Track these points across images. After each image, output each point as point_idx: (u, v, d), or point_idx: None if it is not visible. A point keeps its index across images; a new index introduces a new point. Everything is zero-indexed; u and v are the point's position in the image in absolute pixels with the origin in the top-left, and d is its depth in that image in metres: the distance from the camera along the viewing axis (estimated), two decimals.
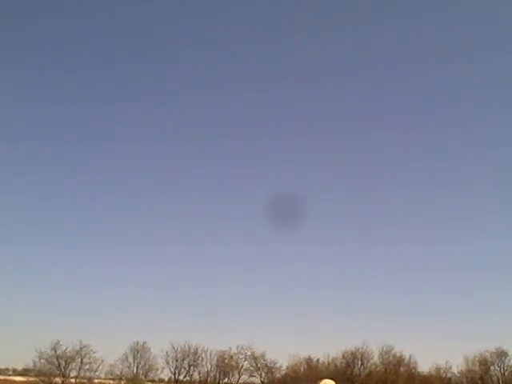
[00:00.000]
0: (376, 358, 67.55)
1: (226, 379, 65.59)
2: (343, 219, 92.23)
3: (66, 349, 56.77)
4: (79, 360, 57.38)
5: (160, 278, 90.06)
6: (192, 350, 63.57)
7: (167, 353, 62.69)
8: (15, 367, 78.57)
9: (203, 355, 64.34)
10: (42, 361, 56.19)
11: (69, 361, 57.07)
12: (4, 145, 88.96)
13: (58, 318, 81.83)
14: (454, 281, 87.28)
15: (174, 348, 62.73)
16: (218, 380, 64.87)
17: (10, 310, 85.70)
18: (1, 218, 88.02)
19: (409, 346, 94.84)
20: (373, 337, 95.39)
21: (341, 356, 67.35)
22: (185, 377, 63.97)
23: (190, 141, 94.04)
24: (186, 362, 63.65)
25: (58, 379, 55.87)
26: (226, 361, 65.01)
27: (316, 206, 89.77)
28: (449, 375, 66.28)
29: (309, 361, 68.71)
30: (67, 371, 57.03)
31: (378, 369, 67.01)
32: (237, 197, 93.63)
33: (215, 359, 64.81)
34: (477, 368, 65.49)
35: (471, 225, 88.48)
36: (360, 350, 66.77)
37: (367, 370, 67.06)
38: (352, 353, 67.08)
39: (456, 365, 74.34)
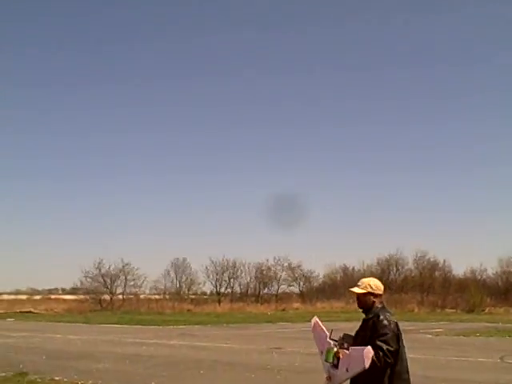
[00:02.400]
0: (410, 264, 68.79)
1: (266, 289, 67.71)
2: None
3: (110, 267, 58.91)
4: (123, 277, 59.55)
5: (196, 196, 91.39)
6: (231, 264, 65.41)
7: (207, 267, 64.62)
8: (64, 287, 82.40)
9: (242, 268, 66.22)
10: (89, 280, 58.56)
11: (114, 278, 59.29)
12: None
13: (100, 238, 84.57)
14: (489, 183, 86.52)
15: (213, 262, 64.59)
16: (258, 290, 66.98)
17: (55, 232, 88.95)
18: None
19: (443, 251, 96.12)
20: (407, 243, 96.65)
21: (375, 263, 68.77)
22: (226, 289, 66.20)
23: None
24: (225, 275, 65.65)
25: (106, 296, 58.33)
26: (265, 272, 66.80)
27: None
28: (484, 277, 67.24)
29: (344, 269, 70.31)
30: (113, 288, 59.40)
31: (413, 274, 68.35)
32: None
33: (254, 271, 66.70)
34: (511, 269, 66.23)
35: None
36: (394, 257, 68.00)
37: (402, 276, 68.50)
38: (386, 259, 68.35)
39: (491, 267, 75.29)
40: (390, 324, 4.90)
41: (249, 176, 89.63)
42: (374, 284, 5.20)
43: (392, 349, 4.82)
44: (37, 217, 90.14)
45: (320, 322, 5.24)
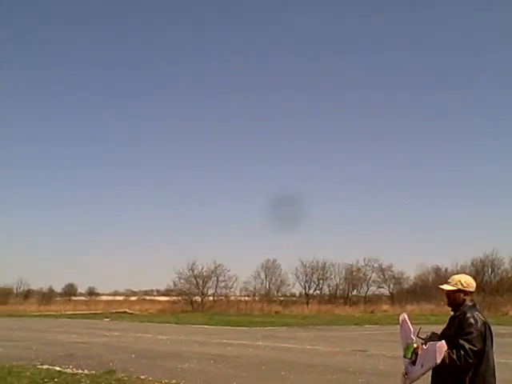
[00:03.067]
0: (507, 265, 66.03)
1: (355, 291, 66.99)
2: None
3: (202, 268, 60.10)
4: (215, 279, 60.64)
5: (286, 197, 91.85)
6: (320, 265, 65.16)
7: (297, 269, 64.71)
8: (158, 288, 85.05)
9: (331, 269, 65.82)
10: (182, 281, 60.06)
11: (205, 280, 60.47)
12: None
13: (193, 240, 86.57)
14: None
15: (302, 264, 64.61)
16: (347, 292, 66.38)
17: (153, 236, 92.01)
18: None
19: None
20: (503, 243, 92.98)
21: (469, 264, 66.45)
22: (315, 290, 66.03)
23: None
24: (315, 276, 65.48)
25: (197, 297, 59.63)
26: (354, 273, 66.10)
27: None
28: None
29: (437, 270, 68.39)
30: (205, 289, 60.64)
31: (509, 275, 65.61)
32: None
33: (343, 272, 66.15)
34: None
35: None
36: (489, 257, 65.50)
37: (498, 277, 65.90)
38: (481, 260, 65.91)
39: None
40: (476, 323, 4.75)
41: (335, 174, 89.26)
42: (465, 281, 5.04)
43: (475, 348, 4.67)
44: (137, 221, 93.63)
45: (408, 319, 5.18)
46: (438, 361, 4.62)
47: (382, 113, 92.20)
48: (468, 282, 5.03)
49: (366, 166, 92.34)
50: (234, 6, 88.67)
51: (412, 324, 5.22)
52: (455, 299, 4.99)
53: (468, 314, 4.80)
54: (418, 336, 5.07)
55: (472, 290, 5.02)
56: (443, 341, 4.69)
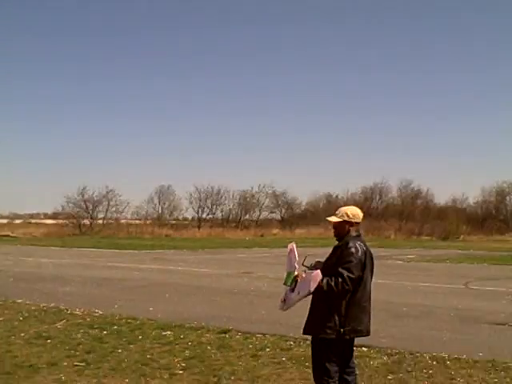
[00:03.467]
0: (394, 193, 69.42)
1: (247, 216, 68.08)
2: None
3: (93, 193, 58.71)
4: (106, 203, 59.51)
5: (183, 122, 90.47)
6: (215, 191, 65.43)
7: (191, 194, 64.69)
8: (45, 211, 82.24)
9: (225, 195, 66.32)
10: (71, 205, 58.40)
11: (96, 204, 59.23)
12: None
13: (84, 163, 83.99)
14: (473, 111, 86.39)
15: (197, 189, 64.59)
16: (239, 217, 67.33)
17: (37, 156, 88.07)
18: None
19: (428, 181, 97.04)
20: (392, 173, 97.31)
21: (360, 191, 69.25)
22: (208, 215, 66.48)
23: None
24: (208, 201, 65.81)
25: (86, 221, 58.33)
26: (248, 199, 66.99)
27: None
28: (464, 206, 68.06)
29: (328, 196, 70.79)
30: (95, 213, 59.41)
31: (395, 202, 69.05)
32: None
33: (237, 198, 66.85)
34: (493, 198, 67.07)
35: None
36: (379, 185, 68.48)
37: (385, 204, 69.20)
38: (371, 188, 68.90)
39: (473, 196, 76.15)
40: (356, 252, 4.86)
41: (232, 98, 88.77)
42: (351, 212, 5.10)
43: (353, 276, 4.79)
44: (21, 141, 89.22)
45: (295, 249, 5.16)
46: (312, 289, 4.79)
47: None
48: (354, 213, 5.09)
49: (271, 94, 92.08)
50: None
51: (299, 248, 5.21)
52: (341, 230, 5.07)
53: (350, 244, 4.89)
54: (303, 264, 5.13)
55: (358, 220, 5.09)
56: (318, 270, 4.83)
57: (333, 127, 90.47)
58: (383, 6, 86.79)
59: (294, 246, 5.19)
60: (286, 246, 5.33)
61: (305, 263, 5.11)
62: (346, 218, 5.05)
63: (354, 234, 5.01)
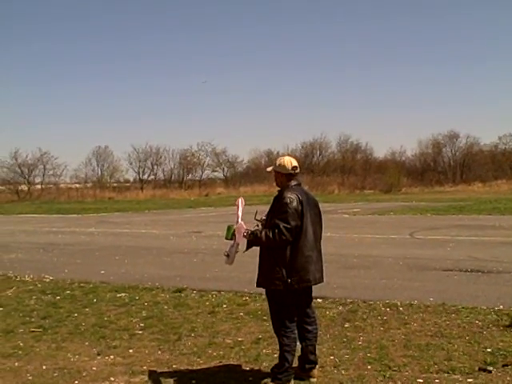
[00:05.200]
0: (334, 148, 70.28)
1: (190, 175, 67.78)
2: None
3: (27, 157, 57.18)
4: (42, 167, 58.08)
5: (119, 81, 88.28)
6: (154, 151, 64.70)
7: (129, 155, 63.77)
8: None
9: (165, 154, 65.71)
10: (5, 170, 56.71)
11: (31, 168, 57.75)
12: None
13: (16, 127, 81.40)
14: (410, 67, 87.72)
15: (135, 150, 63.71)
16: (181, 177, 66.94)
17: None
18: None
19: (366, 135, 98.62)
20: (331, 128, 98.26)
21: (300, 147, 69.77)
22: (149, 176, 65.86)
23: None
24: (148, 162, 65.10)
25: (23, 186, 56.82)
26: (189, 158, 66.58)
27: None
28: (403, 159, 69.61)
29: (269, 153, 71.03)
30: (32, 178, 57.97)
31: (335, 157, 69.99)
32: None
33: (178, 157, 66.31)
34: (430, 150, 68.80)
35: None
36: (318, 141, 69.12)
37: (325, 159, 70.06)
38: (311, 144, 69.48)
39: (410, 149, 77.83)
40: (291, 202, 4.80)
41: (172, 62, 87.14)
42: (279, 162, 5.06)
43: (289, 226, 4.75)
44: None
45: (241, 204, 5.17)
46: (238, 240, 4.90)
47: None
48: (281, 162, 5.05)
49: (204, 51, 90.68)
50: None
51: (243, 205, 5.21)
52: (277, 181, 5.06)
53: (284, 194, 4.86)
54: (255, 218, 5.13)
55: (284, 171, 5.01)
56: (242, 222, 4.92)
57: (270, 82, 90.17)
58: None
59: (240, 200, 5.20)
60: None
61: (256, 217, 5.12)
62: (274, 168, 5.05)
63: (293, 184, 4.97)
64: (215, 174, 68.71)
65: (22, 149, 56.62)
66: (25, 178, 57.06)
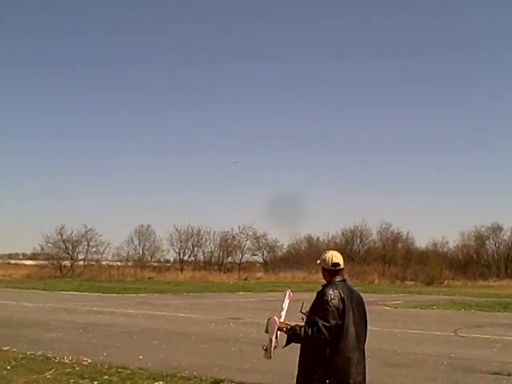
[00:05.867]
0: (374, 236, 69.66)
1: (230, 258, 67.75)
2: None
3: (72, 233, 58.10)
4: (85, 243, 58.86)
5: (160, 162, 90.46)
6: (195, 232, 65.14)
7: (171, 235, 64.29)
8: (25, 252, 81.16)
9: (206, 236, 66.04)
10: (50, 245, 57.71)
11: (75, 244, 58.54)
12: None
13: (62, 202, 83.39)
14: (452, 156, 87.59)
15: (177, 230, 64.26)
16: (221, 259, 66.98)
17: (14, 196, 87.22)
18: None
19: (407, 223, 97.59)
20: (372, 215, 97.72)
21: (340, 234, 69.39)
22: (189, 257, 66.04)
23: None
24: (189, 243, 65.42)
25: (66, 262, 57.58)
26: (229, 241, 66.75)
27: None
28: (445, 250, 68.45)
29: (309, 239, 70.81)
30: (75, 254, 58.70)
31: (376, 245, 69.25)
32: None
33: (218, 240, 66.58)
34: (472, 242, 67.59)
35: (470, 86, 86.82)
36: (359, 228, 68.70)
37: (366, 247, 69.35)
38: (351, 231, 69.02)
39: (452, 240, 76.70)
40: (332, 299, 4.68)
41: (212, 142, 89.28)
42: (323, 257, 5.01)
43: (328, 324, 4.61)
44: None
45: (287, 296, 5.07)
46: (272, 337, 4.77)
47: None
48: (324, 258, 4.99)
49: (247, 134, 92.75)
50: None
51: (291, 297, 5.14)
52: (323, 275, 4.99)
53: (325, 291, 4.76)
54: (300, 311, 5.00)
55: (325, 266, 4.95)
56: (275, 317, 4.81)
57: (310, 168, 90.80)
58: None
59: (288, 292, 5.12)
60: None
61: (302, 310, 4.97)
62: (320, 263, 5.00)
63: (337, 279, 4.88)
64: (255, 257, 68.58)
65: (67, 224, 57.31)
66: (68, 253, 57.90)
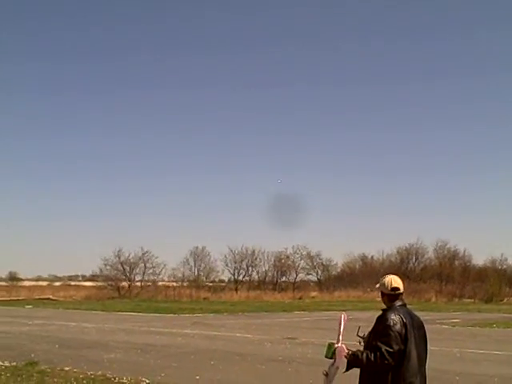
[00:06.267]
0: (431, 253, 68.28)
1: (284, 278, 67.66)
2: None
3: (129, 255, 59.27)
4: (142, 265, 59.91)
5: (216, 184, 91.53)
6: (249, 252, 65.40)
7: (225, 256, 64.71)
8: (84, 274, 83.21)
9: (260, 256, 66.20)
10: (108, 267, 59.01)
11: (133, 266, 59.66)
12: None
13: (119, 226, 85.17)
14: (506, 172, 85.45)
15: (231, 251, 64.65)
16: (275, 279, 66.96)
17: (74, 220, 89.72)
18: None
19: (464, 241, 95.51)
20: (427, 233, 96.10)
21: (395, 252, 68.35)
22: (244, 277, 66.26)
23: None
24: (244, 263, 65.69)
25: (124, 283, 58.70)
26: (283, 261, 66.73)
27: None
28: (504, 266, 66.50)
29: (363, 258, 70.03)
30: (132, 276, 59.79)
31: (432, 263, 67.85)
32: None
33: (272, 259, 66.65)
34: None
35: None
36: (414, 246, 67.52)
37: (422, 265, 68.03)
38: (406, 249, 67.89)
39: None
40: (394, 324, 4.66)
41: (265, 164, 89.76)
42: (382, 281, 5.01)
43: (392, 350, 4.60)
44: (59, 205, 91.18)
45: (343, 320, 5.00)
46: (338, 364, 4.73)
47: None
48: (383, 282, 4.98)
49: (296, 153, 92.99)
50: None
51: (340, 311, 5.13)
52: (382, 299, 4.97)
53: (387, 316, 4.73)
54: (357, 335, 4.99)
55: (384, 291, 4.94)
56: (343, 345, 4.75)
57: (363, 188, 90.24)
58: None
59: (343, 316, 5.04)
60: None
61: (359, 333, 4.97)
62: (379, 287, 4.98)
63: (397, 304, 4.86)
64: (309, 276, 68.27)
65: (124, 247, 58.53)
66: (126, 275, 59.04)
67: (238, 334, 20.67)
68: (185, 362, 13.89)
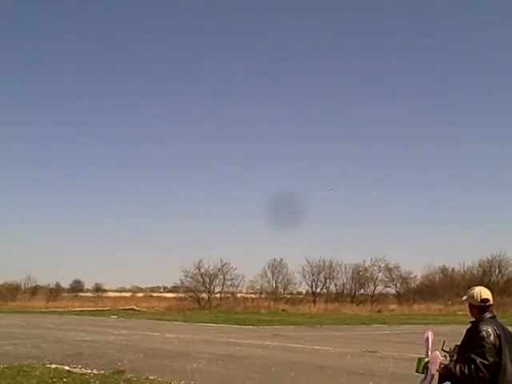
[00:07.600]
0: None
1: (362, 290, 66.87)
2: None
3: (209, 267, 60.28)
4: (222, 277, 60.80)
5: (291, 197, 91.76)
6: (327, 264, 65.09)
7: (303, 268, 64.67)
8: (165, 285, 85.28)
9: (338, 268, 65.75)
10: (188, 279, 60.25)
11: (212, 278, 60.65)
12: None
13: (199, 239, 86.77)
14: None
15: (309, 263, 64.56)
16: (354, 291, 66.26)
17: (160, 234, 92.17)
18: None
19: None
20: (510, 245, 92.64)
21: (477, 265, 66.20)
22: (322, 289, 65.95)
23: None
24: (321, 275, 65.40)
25: (204, 295, 59.73)
26: (361, 273, 66.00)
27: None
28: None
29: (444, 270, 68.24)
30: (212, 287, 60.77)
31: None
32: None
33: (350, 272, 66.06)
34: None
35: None
36: (497, 258, 65.19)
37: (505, 278, 65.56)
38: (488, 261, 65.62)
39: None
40: (488, 336, 4.59)
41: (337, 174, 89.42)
42: (470, 293, 4.94)
43: (487, 362, 4.52)
44: (144, 218, 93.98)
45: (430, 336, 4.99)
46: (433, 372, 4.64)
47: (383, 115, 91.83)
48: (471, 293, 4.91)
49: (372, 166, 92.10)
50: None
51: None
52: (471, 311, 4.90)
53: (480, 328, 4.66)
54: (442, 349, 4.94)
55: (473, 303, 4.87)
56: (437, 352, 4.69)
57: (442, 200, 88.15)
58: None
59: (430, 333, 5.01)
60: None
61: (444, 348, 4.91)
62: (467, 299, 4.91)
63: (487, 315, 4.78)
64: (387, 289, 67.12)
65: (204, 259, 59.63)
66: (206, 287, 60.09)
67: (317, 347, 20.67)
68: (265, 373, 14.05)
